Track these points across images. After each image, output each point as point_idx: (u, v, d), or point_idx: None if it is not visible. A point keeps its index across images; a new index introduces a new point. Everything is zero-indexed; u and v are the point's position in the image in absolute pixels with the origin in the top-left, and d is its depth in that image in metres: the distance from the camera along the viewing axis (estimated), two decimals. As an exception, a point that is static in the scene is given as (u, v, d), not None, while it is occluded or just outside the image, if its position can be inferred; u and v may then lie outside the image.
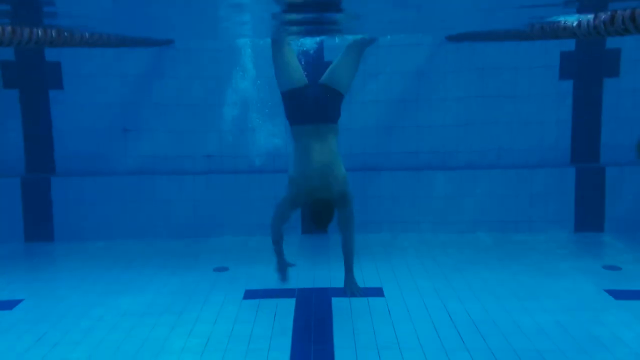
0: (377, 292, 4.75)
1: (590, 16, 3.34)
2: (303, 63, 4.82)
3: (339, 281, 4.84)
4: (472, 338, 3.88)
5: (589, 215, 6.25)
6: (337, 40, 5.47)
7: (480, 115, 6.34)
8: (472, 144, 6.39)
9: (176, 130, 6.42)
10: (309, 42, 5.61)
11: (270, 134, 6.32)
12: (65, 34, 4.14)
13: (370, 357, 3.66)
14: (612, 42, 6.14)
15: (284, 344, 3.87)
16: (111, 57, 6.23)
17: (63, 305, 4.59)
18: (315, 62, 5.67)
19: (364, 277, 5.07)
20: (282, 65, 4.54)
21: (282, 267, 4.77)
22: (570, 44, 6.22)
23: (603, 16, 3.18)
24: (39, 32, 3.83)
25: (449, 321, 4.16)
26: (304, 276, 5.15)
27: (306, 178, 4.32)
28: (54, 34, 4.01)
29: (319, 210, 4.32)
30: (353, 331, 4.03)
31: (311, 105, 4.38)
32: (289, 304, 4.53)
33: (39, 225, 6.31)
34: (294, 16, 3.82)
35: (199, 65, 6.31)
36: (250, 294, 4.77)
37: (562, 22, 3.77)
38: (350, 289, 4.67)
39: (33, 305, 4.61)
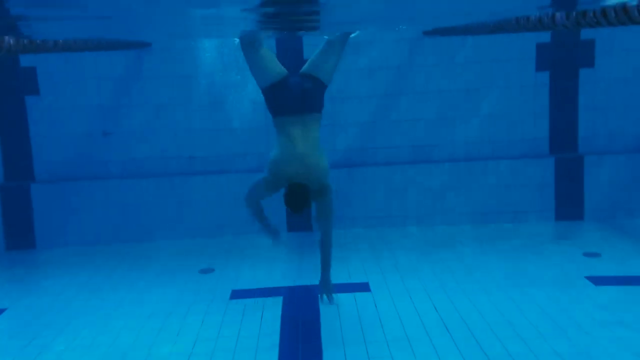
0: (364, 287, 4.78)
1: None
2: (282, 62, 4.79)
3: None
4: (456, 326, 3.96)
5: (569, 204, 6.34)
6: (315, 36, 5.46)
7: (461, 109, 6.39)
8: (453, 137, 6.44)
9: (157, 131, 6.38)
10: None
11: (250, 133, 6.33)
12: (38, 41, 4.08)
13: (359, 353, 3.68)
14: (586, 34, 6.23)
15: (272, 343, 3.88)
16: (88, 60, 6.17)
17: (47, 313, 4.56)
18: (294, 60, 5.67)
19: (350, 272, 5.10)
20: (257, 61, 4.34)
21: (270, 230, 4.61)
22: (545, 36, 6.29)
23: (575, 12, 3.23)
24: (11, 41, 3.78)
25: (434, 312, 4.21)
26: (290, 274, 5.17)
27: (287, 163, 4.18)
28: (25, 42, 3.96)
29: (295, 192, 4.13)
30: (341, 327, 4.06)
31: (295, 96, 4.24)
32: (276, 302, 4.55)
33: (19, 233, 6.24)
34: (270, 9, 3.77)
35: (177, 65, 6.27)
36: (237, 294, 4.77)
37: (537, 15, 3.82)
38: (326, 289, 4.49)
39: (16, 314, 4.57)
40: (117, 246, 6.19)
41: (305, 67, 4.42)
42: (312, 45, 5.76)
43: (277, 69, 4.32)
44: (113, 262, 5.75)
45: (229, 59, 6.23)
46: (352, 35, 4.59)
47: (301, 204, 4.11)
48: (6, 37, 3.68)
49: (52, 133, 6.31)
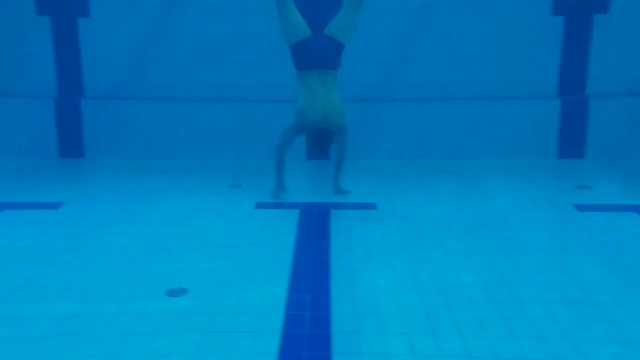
0: (371, 206, 5.38)
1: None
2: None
3: (337, 197, 5.48)
4: (450, 240, 4.55)
5: (571, 143, 6.80)
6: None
7: (476, 49, 6.77)
8: (466, 75, 6.84)
9: (194, 59, 6.93)
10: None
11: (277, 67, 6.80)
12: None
13: (361, 252, 4.34)
14: (602, -20, 6.50)
15: (289, 241, 4.56)
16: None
17: (98, 209, 5.31)
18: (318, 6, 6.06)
19: (360, 194, 5.65)
20: (287, 17, 5.15)
21: (279, 188, 5.52)
22: (563, -19, 6.58)
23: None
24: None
25: (430, 228, 4.81)
26: (306, 193, 5.79)
27: (311, 110, 5.13)
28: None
29: (320, 137, 5.22)
30: (348, 233, 4.69)
31: (316, 54, 5.11)
32: (294, 214, 5.19)
33: (71, 143, 6.96)
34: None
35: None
36: (260, 205, 5.43)
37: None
38: (337, 188, 5.46)
39: (74, 207, 5.35)
40: (156, 161, 6.80)
41: (328, 27, 5.19)
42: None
43: (303, 29, 5.15)
44: (153, 173, 6.40)
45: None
46: None
47: (325, 146, 5.20)
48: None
49: (101, 54, 6.90)
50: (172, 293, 3.70)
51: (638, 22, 6.58)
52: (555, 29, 6.69)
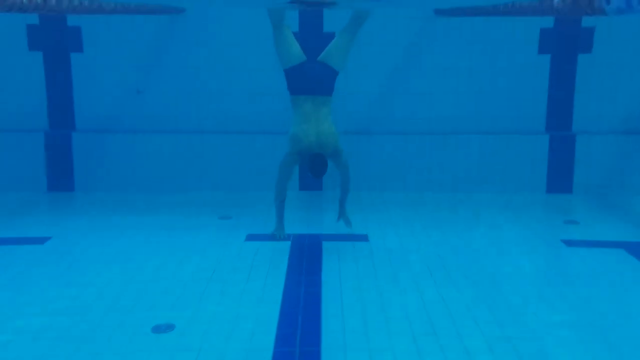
0: (363, 237, 5.39)
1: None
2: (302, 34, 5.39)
3: (329, 229, 5.49)
4: (440, 273, 4.54)
5: (559, 178, 6.88)
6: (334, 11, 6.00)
7: (467, 85, 6.90)
8: (457, 110, 6.97)
9: (186, 91, 7.00)
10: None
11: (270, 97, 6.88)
12: (86, 3, 4.69)
13: (353, 284, 4.32)
14: (587, 21, 6.68)
15: (280, 274, 4.54)
16: (127, 23, 6.78)
17: (85, 243, 5.26)
18: (315, 34, 6.23)
19: (352, 226, 5.70)
20: (282, 43, 5.22)
21: (280, 229, 5.36)
22: (549, 22, 6.76)
23: None
24: (64, 2, 4.38)
25: (421, 261, 4.81)
26: (299, 225, 5.79)
27: (305, 136, 5.12)
28: (76, 2, 4.56)
29: (316, 162, 5.10)
30: (339, 266, 4.68)
31: (310, 80, 5.16)
32: (285, 245, 5.19)
33: (60, 176, 6.94)
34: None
35: (206, 32, 6.86)
36: (251, 237, 5.42)
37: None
38: (344, 216, 5.45)
39: (60, 242, 5.29)
40: (146, 194, 6.82)
41: (322, 54, 5.26)
42: (332, 20, 6.39)
43: (298, 54, 5.21)
44: (142, 206, 6.42)
45: (253, 30, 6.78)
46: (365, 21, 5.28)
47: (322, 170, 5.09)
48: None
49: (93, 88, 6.96)
50: (159, 329, 3.65)
51: (620, 62, 6.75)
52: (543, 66, 6.84)
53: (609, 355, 3.37)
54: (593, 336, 3.56)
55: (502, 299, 4.11)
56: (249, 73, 6.91)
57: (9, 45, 6.83)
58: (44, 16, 6.74)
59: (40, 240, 5.26)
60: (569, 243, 5.22)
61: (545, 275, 4.58)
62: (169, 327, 3.66)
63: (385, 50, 6.88)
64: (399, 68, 6.92)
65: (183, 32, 6.89)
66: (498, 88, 6.90)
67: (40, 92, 6.95)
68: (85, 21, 6.78)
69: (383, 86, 6.96)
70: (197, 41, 6.90)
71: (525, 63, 6.85)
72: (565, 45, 6.81)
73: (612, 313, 3.90)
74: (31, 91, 6.93)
